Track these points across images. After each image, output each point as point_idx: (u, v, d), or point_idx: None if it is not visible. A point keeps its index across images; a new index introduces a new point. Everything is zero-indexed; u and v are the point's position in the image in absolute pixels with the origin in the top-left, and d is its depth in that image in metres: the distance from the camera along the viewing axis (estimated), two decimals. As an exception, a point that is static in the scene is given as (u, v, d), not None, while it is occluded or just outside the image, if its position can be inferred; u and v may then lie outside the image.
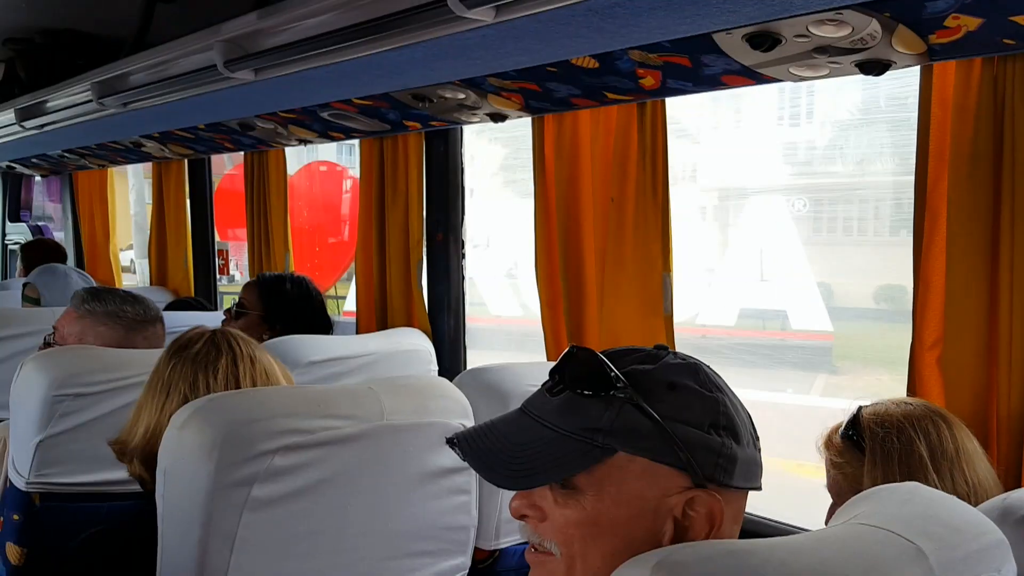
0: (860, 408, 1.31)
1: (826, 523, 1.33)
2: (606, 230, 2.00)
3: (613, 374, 0.89)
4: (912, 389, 1.44)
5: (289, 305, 2.52)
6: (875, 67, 1.33)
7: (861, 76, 1.37)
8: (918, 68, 1.39)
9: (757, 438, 0.95)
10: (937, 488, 1.17)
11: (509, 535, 1.64)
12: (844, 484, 1.28)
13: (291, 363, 2.16)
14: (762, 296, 6.29)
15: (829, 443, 1.33)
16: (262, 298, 2.53)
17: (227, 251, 4.09)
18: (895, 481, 1.20)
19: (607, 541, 0.89)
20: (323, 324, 2.53)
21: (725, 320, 6.20)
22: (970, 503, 1.16)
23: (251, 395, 1.34)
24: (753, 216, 6.32)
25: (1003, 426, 1.33)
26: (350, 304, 3.27)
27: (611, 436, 0.88)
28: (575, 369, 0.92)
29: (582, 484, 0.89)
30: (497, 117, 2.08)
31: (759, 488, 0.94)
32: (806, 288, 6.02)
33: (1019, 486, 1.30)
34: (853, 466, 1.27)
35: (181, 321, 2.31)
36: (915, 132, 1.43)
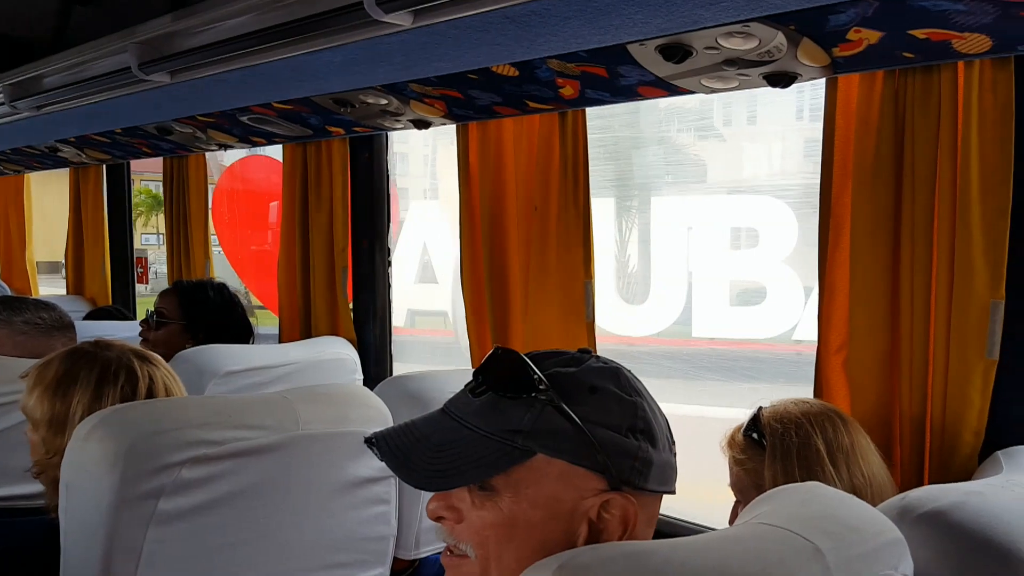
0: (760, 408, 1.35)
1: (730, 521, 1.36)
2: (530, 238, 2.02)
3: (536, 376, 0.90)
4: (818, 392, 1.48)
5: (211, 313, 2.46)
6: (782, 79, 1.37)
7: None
8: (824, 81, 1.44)
9: (673, 442, 0.96)
10: (834, 481, 1.23)
11: (429, 544, 1.63)
12: (746, 480, 1.31)
13: (209, 373, 2.11)
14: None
15: (732, 442, 1.37)
16: (182, 306, 2.46)
17: (146, 258, 3.99)
18: (795, 474, 1.25)
19: (522, 543, 0.89)
20: (244, 332, 2.48)
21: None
22: (866, 495, 1.22)
23: (158, 405, 1.30)
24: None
25: (905, 427, 1.38)
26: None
27: (531, 438, 0.88)
28: (498, 370, 0.92)
29: (500, 486, 0.89)
30: (421, 124, 2.07)
31: (673, 492, 0.95)
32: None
33: (920, 485, 1.34)
34: (754, 462, 1.31)
35: (99, 331, 2.24)
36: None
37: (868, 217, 1.40)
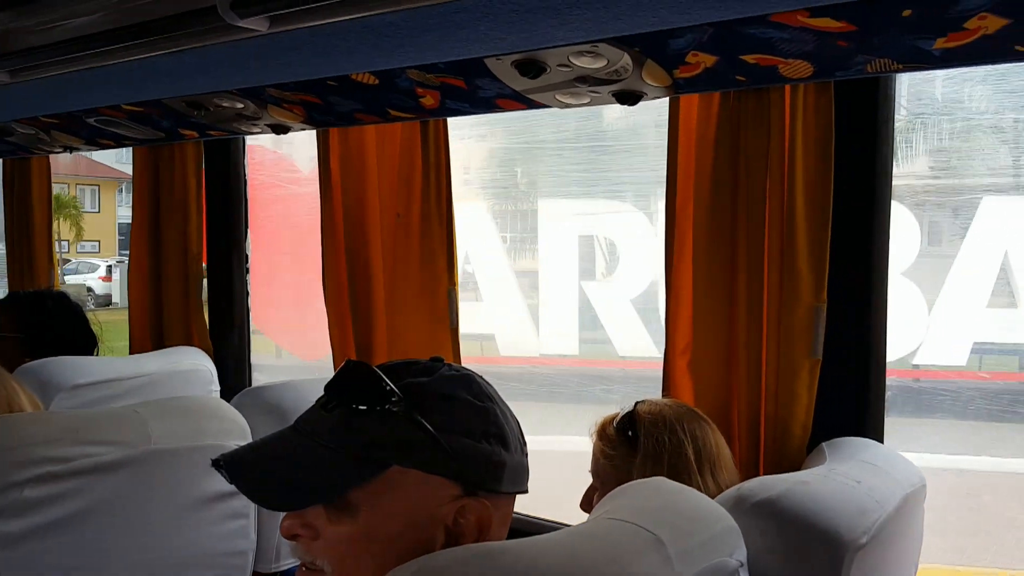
0: (636, 404, 1.40)
1: (582, 502, 1.41)
2: (393, 246, 2.02)
3: (388, 388, 0.90)
4: (666, 391, 1.57)
5: (52, 324, 2.32)
6: (629, 97, 1.45)
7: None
8: (667, 100, 1.53)
9: (524, 444, 0.99)
10: (700, 488, 1.29)
11: (290, 557, 1.61)
12: (612, 473, 1.35)
13: (54, 387, 1.99)
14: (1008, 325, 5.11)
15: (603, 434, 1.40)
16: (20, 319, 2.30)
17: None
18: (664, 475, 1.31)
19: (380, 556, 0.89)
20: (87, 343, 2.35)
21: (951, 358, 5.02)
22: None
23: (-4, 423, 1.23)
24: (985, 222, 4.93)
25: (743, 423, 1.49)
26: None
27: (385, 450, 0.89)
28: (350, 384, 0.92)
29: (355, 500, 0.89)
30: (279, 129, 2.04)
31: (526, 491, 0.98)
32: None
33: (757, 476, 1.45)
34: (624, 459, 1.35)
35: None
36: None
37: (708, 227, 1.50)
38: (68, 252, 19.32)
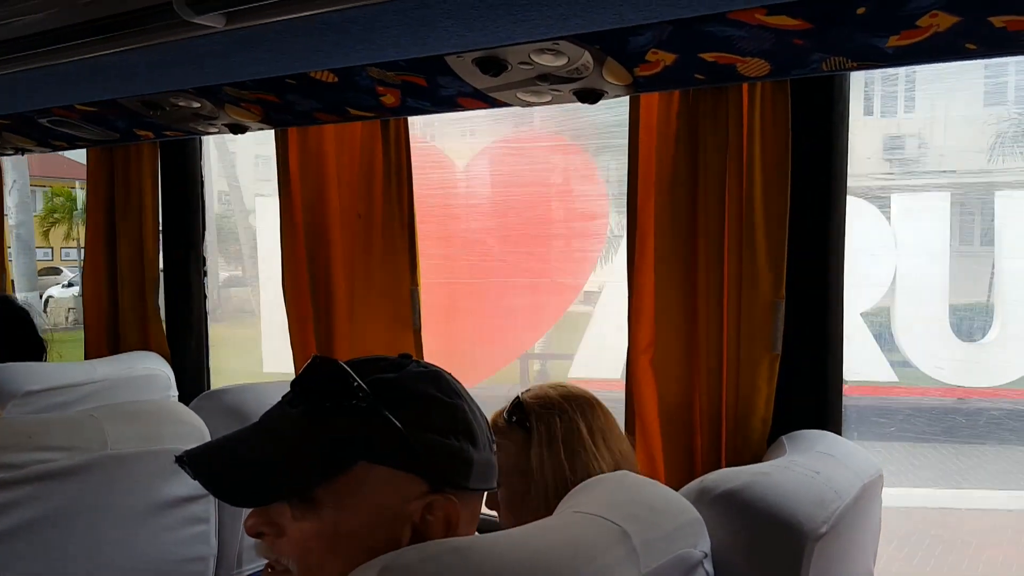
0: (520, 395, 1.43)
1: (487, 502, 1.41)
2: (354, 246, 2.01)
3: (356, 384, 0.89)
4: (629, 387, 1.58)
5: None
6: (590, 95, 1.46)
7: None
8: (628, 98, 1.54)
9: (493, 441, 0.99)
10: (597, 459, 1.33)
11: (252, 562, 1.59)
12: (510, 462, 1.36)
13: (6, 394, 1.95)
14: None
15: (493, 426, 1.42)
16: None
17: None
18: (560, 457, 1.34)
19: (346, 553, 0.88)
20: (36, 349, 2.29)
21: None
22: (623, 467, 1.34)
23: (-57, 430, 1.19)
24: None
25: (705, 417, 1.51)
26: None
27: (352, 446, 0.88)
28: (317, 380, 0.91)
29: (321, 496, 0.88)
30: (237, 128, 2.01)
31: (494, 488, 0.98)
32: None
33: (719, 468, 1.47)
34: (520, 447, 1.37)
35: None
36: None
37: (668, 224, 1.51)
38: (52, 260, 17.32)
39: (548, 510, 1.25)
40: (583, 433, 1.35)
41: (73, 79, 1.83)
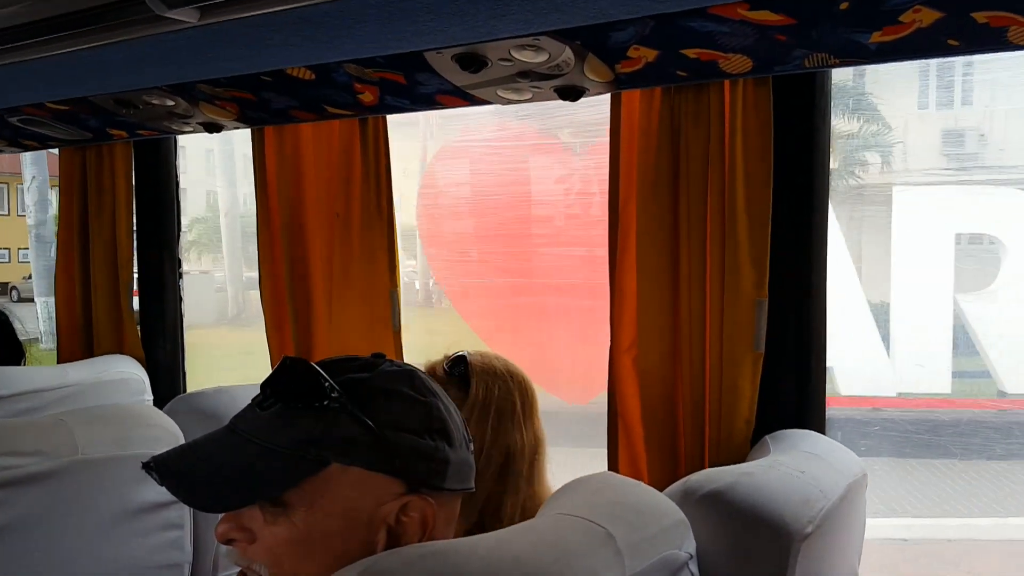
0: (467, 353, 1.47)
1: None
2: (332, 247, 1.98)
3: (327, 384, 0.88)
4: (612, 388, 1.56)
5: None
6: (571, 93, 1.44)
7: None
8: (609, 95, 1.53)
9: (470, 440, 0.98)
10: (522, 431, 1.40)
11: (228, 568, 1.56)
12: None
13: (-28, 400, 1.90)
14: None
15: (431, 373, 1.43)
16: None
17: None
18: (489, 420, 1.39)
19: (319, 557, 0.87)
20: (14, 353, 2.25)
21: None
22: (538, 451, 1.41)
23: (-96, 435, 1.16)
24: None
25: (688, 417, 1.49)
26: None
27: (324, 447, 0.86)
28: (288, 380, 0.90)
29: (293, 500, 0.86)
30: (212, 127, 1.98)
31: (472, 489, 0.96)
32: None
33: (702, 469, 1.45)
34: (454, 400, 1.40)
35: None
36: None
37: (650, 224, 1.50)
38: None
39: None
40: (516, 407, 1.41)
41: (44, 76, 1.79)
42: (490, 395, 1.40)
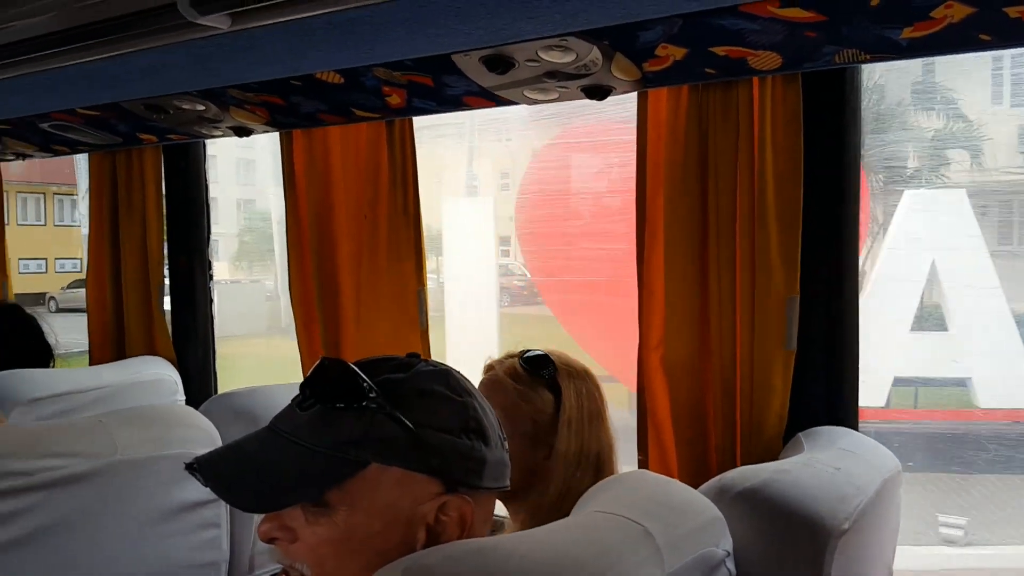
0: (546, 351, 1.43)
1: None
2: (360, 247, 2.00)
3: (365, 384, 0.88)
4: (641, 387, 1.56)
5: (4, 337, 2.25)
6: (598, 92, 1.44)
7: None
8: (636, 94, 1.53)
9: (504, 439, 0.98)
10: (610, 433, 1.39)
11: (264, 567, 1.58)
12: (526, 410, 1.38)
13: (11, 402, 1.94)
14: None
15: (513, 371, 1.40)
16: None
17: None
18: (584, 420, 1.36)
19: (361, 556, 0.87)
20: (44, 356, 2.29)
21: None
22: (613, 447, 1.39)
23: (-48, 438, 1.18)
24: None
25: (718, 415, 1.49)
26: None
27: (364, 448, 0.87)
28: (326, 381, 0.90)
29: (334, 500, 0.87)
30: (242, 131, 2.00)
31: (507, 487, 0.97)
32: None
33: (734, 467, 1.45)
34: (542, 399, 1.38)
35: None
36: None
37: (678, 222, 1.50)
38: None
39: (566, 482, 1.29)
40: (602, 409, 1.39)
41: (75, 82, 1.82)
42: (580, 398, 1.38)
